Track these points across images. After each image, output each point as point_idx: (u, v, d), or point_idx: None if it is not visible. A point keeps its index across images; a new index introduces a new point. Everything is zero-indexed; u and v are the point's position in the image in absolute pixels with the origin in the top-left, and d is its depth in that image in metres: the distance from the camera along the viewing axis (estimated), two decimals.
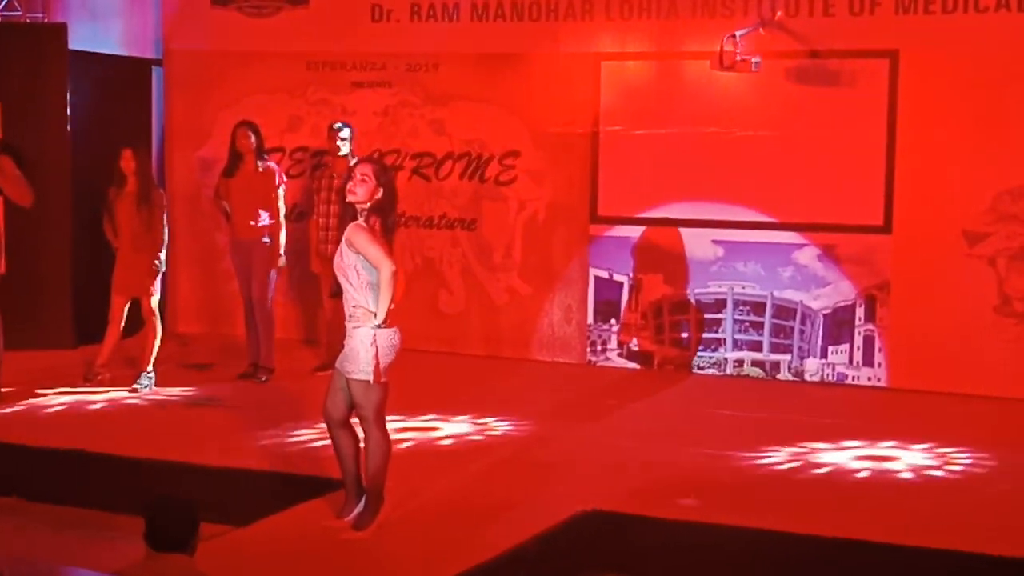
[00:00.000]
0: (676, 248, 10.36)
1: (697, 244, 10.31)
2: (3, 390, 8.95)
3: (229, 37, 11.58)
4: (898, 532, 6.40)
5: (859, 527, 6.49)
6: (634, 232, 10.50)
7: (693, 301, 10.34)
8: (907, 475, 7.53)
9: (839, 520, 6.60)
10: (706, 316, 10.31)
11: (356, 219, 6.29)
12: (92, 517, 7.20)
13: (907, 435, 8.36)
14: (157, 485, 6.78)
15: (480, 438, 8.26)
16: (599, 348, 10.64)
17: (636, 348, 10.46)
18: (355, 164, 6.44)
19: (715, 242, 10.27)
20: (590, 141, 10.56)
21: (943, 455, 7.92)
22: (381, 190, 6.25)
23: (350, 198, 6.25)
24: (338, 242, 9.58)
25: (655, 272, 10.42)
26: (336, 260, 6.34)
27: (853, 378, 9.96)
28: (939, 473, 7.59)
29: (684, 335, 10.38)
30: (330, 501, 6.73)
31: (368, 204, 6.24)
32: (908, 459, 7.83)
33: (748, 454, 7.90)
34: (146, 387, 9.32)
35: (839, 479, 7.42)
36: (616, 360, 10.59)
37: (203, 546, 4.59)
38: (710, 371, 10.32)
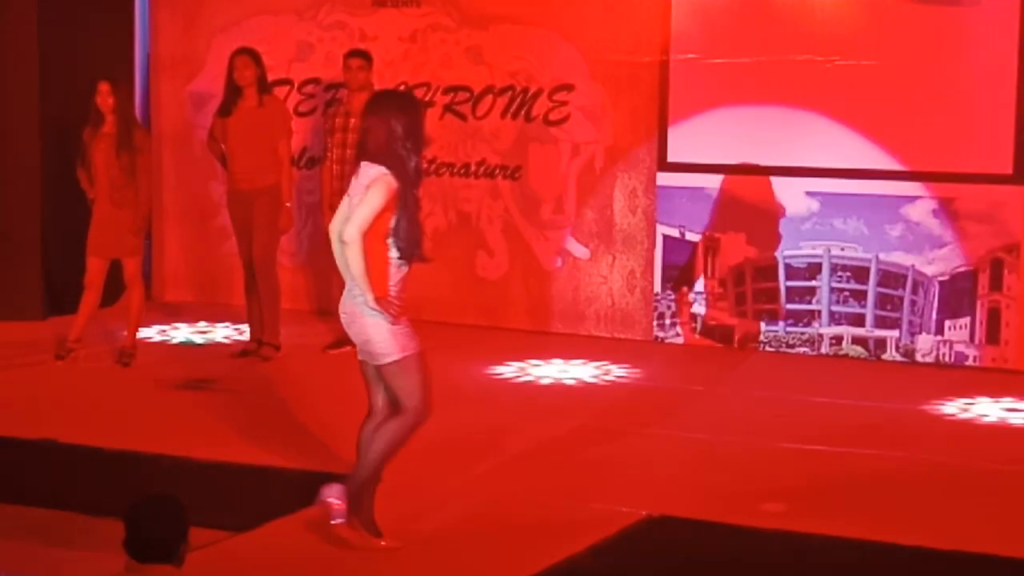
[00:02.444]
0: (762, 201, 10.33)
1: (787, 196, 10.28)
2: None
3: None
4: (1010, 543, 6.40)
5: (973, 537, 6.47)
6: (711, 182, 10.48)
7: (782, 265, 10.32)
8: None
9: (953, 529, 6.58)
10: (798, 284, 10.28)
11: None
12: (64, 520, 7.25)
13: None
14: (140, 483, 6.82)
15: (526, 431, 8.27)
16: (667, 322, 10.64)
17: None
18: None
19: (809, 194, 10.23)
20: (658, 72, 10.52)
21: None
22: None
23: None
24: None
25: (736, 230, 10.38)
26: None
27: (974, 359, 9.91)
28: None
29: (771, 306, 10.37)
30: None
31: None
32: None
33: (846, 450, 7.89)
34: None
35: (952, 480, 7.41)
36: (689, 336, 10.58)
37: (194, 556, 4.62)
38: (801, 349, 10.29)
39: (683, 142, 10.46)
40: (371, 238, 6.23)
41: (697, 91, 10.41)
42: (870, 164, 10.05)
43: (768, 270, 10.33)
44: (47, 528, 7.20)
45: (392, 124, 6.29)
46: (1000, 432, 8.41)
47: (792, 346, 10.31)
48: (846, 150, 10.08)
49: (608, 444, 7.95)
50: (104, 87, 9.37)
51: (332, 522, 6.24)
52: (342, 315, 6.43)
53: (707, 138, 10.42)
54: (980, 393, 9.23)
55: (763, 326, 10.38)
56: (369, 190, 6.23)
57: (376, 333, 6.20)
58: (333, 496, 6.24)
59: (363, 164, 6.33)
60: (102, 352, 9.68)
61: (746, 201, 10.35)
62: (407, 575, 6.08)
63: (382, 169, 6.24)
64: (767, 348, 10.38)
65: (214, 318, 11.05)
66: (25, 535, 7.13)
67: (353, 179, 6.43)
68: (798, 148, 10.20)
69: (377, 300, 6.15)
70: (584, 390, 9.22)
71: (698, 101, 10.42)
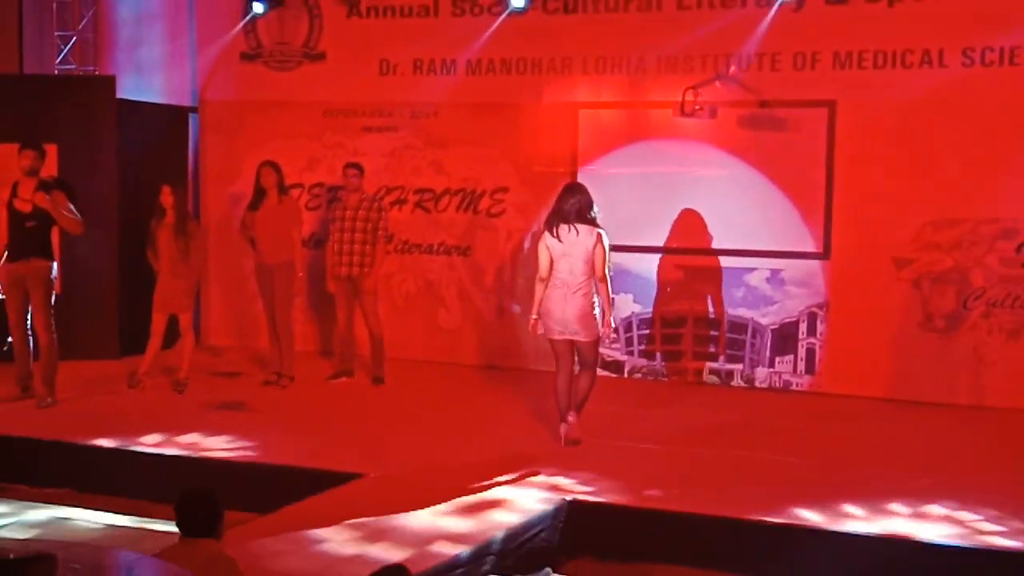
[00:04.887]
0: (644, 271, 10.36)
1: (662, 268, 10.32)
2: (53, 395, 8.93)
3: (256, 88, 11.60)
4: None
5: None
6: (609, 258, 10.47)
7: (658, 317, 10.35)
8: None
9: (783, 507, 6.60)
10: (669, 331, 10.31)
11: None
12: (133, 506, 7.18)
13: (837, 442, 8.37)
14: (191, 478, 6.76)
15: (470, 435, 8.25)
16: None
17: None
18: None
19: (678, 267, 10.28)
20: (569, 179, 10.55)
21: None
22: None
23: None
24: (351, 266, 9.74)
25: (626, 292, 10.41)
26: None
27: (797, 385, 9.96)
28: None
29: (651, 347, 10.40)
30: (349, 491, 6.73)
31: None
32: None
33: (706, 451, 7.90)
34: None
35: (778, 474, 7.41)
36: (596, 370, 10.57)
37: (229, 532, 4.57)
38: (672, 378, 10.32)
39: None
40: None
41: (597, 193, 10.39)
42: (723, 245, 10.13)
43: (648, 321, 10.37)
44: (122, 510, 7.14)
45: (591, 201, 7.68)
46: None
47: (666, 376, 10.35)
48: (705, 235, 10.15)
49: (537, 445, 7.93)
50: (166, 189, 9.32)
51: (567, 433, 7.72)
52: (555, 314, 7.60)
53: (606, 227, 10.42)
54: (803, 412, 9.32)
55: (645, 361, 10.42)
56: (598, 245, 7.56)
57: (591, 324, 7.57)
58: (569, 421, 7.75)
59: (576, 227, 7.56)
60: (163, 382, 9.59)
61: (632, 271, 10.38)
62: (355, 547, 5.96)
63: (597, 229, 7.57)
64: (648, 378, 10.40)
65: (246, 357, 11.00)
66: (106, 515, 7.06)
67: (568, 235, 7.59)
68: (671, 234, 10.27)
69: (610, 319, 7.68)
70: (521, 408, 9.20)
71: (598, 200, 10.40)
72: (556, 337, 7.70)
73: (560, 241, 7.58)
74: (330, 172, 11.16)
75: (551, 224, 7.67)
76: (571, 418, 7.77)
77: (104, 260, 10.72)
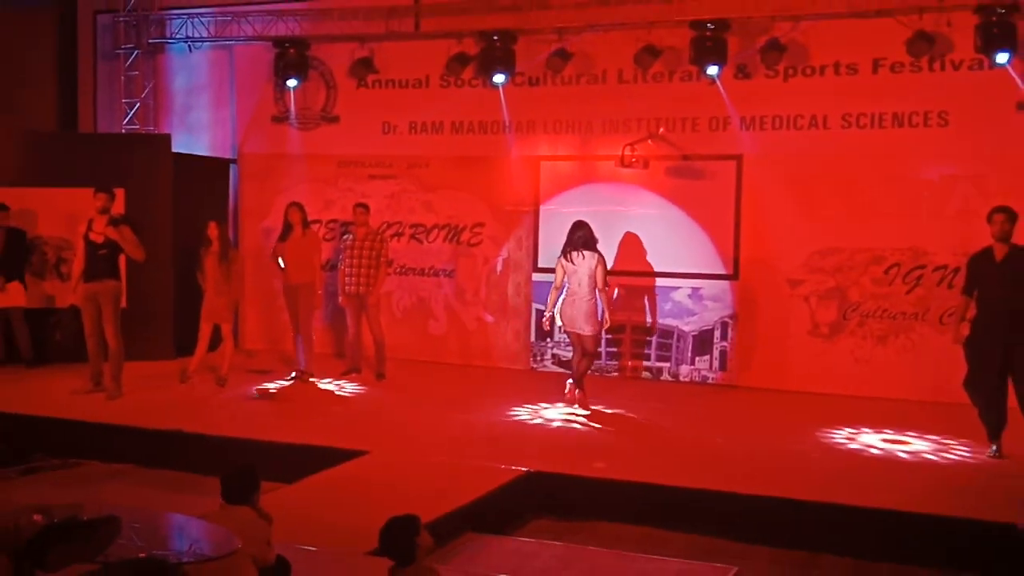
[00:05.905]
0: None
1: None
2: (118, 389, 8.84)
3: (284, 144, 11.56)
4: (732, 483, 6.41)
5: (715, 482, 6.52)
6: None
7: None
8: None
9: (703, 476, 6.61)
10: (612, 336, 10.32)
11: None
12: (183, 478, 7.11)
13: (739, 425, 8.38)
14: (231, 455, 6.71)
15: (452, 418, 8.22)
16: (538, 358, 10.63)
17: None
18: None
19: (619, 285, 10.30)
20: (533, 216, 10.60)
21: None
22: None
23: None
24: (359, 285, 9.70)
25: None
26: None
27: (712, 379, 9.99)
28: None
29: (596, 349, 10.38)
30: (357, 465, 6.68)
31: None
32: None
33: (640, 430, 7.90)
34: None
35: (694, 448, 7.43)
36: (550, 367, 10.58)
37: (264, 498, 4.53)
38: (614, 374, 10.32)
39: (547, 256, 10.48)
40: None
41: (554, 227, 10.45)
42: (655, 268, 10.15)
43: None
44: (174, 482, 7.06)
45: (592, 234, 8.12)
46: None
47: (609, 372, 10.34)
48: (641, 259, 10.17)
49: (502, 427, 7.91)
50: (212, 224, 9.27)
51: (570, 395, 8.19)
52: (568, 314, 8.09)
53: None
54: (716, 400, 9.34)
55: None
56: (599, 266, 8.06)
57: (593, 322, 8.00)
58: (569, 387, 8.18)
59: (583, 252, 8.07)
60: (208, 378, 9.50)
61: None
62: (365, 502, 5.87)
63: (596, 253, 8.06)
64: (595, 373, 10.36)
65: (277, 358, 10.92)
66: (161, 486, 6.99)
67: (576, 258, 8.09)
68: (614, 259, 10.27)
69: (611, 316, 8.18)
70: (493, 397, 9.18)
71: (554, 232, 10.42)
72: (568, 330, 8.25)
73: (572, 263, 8.11)
74: (343, 211, 11.12)
75: (565, 251, 8.21)
76: (577, 393, 8.26)
77: (162, 280, 10.63)
